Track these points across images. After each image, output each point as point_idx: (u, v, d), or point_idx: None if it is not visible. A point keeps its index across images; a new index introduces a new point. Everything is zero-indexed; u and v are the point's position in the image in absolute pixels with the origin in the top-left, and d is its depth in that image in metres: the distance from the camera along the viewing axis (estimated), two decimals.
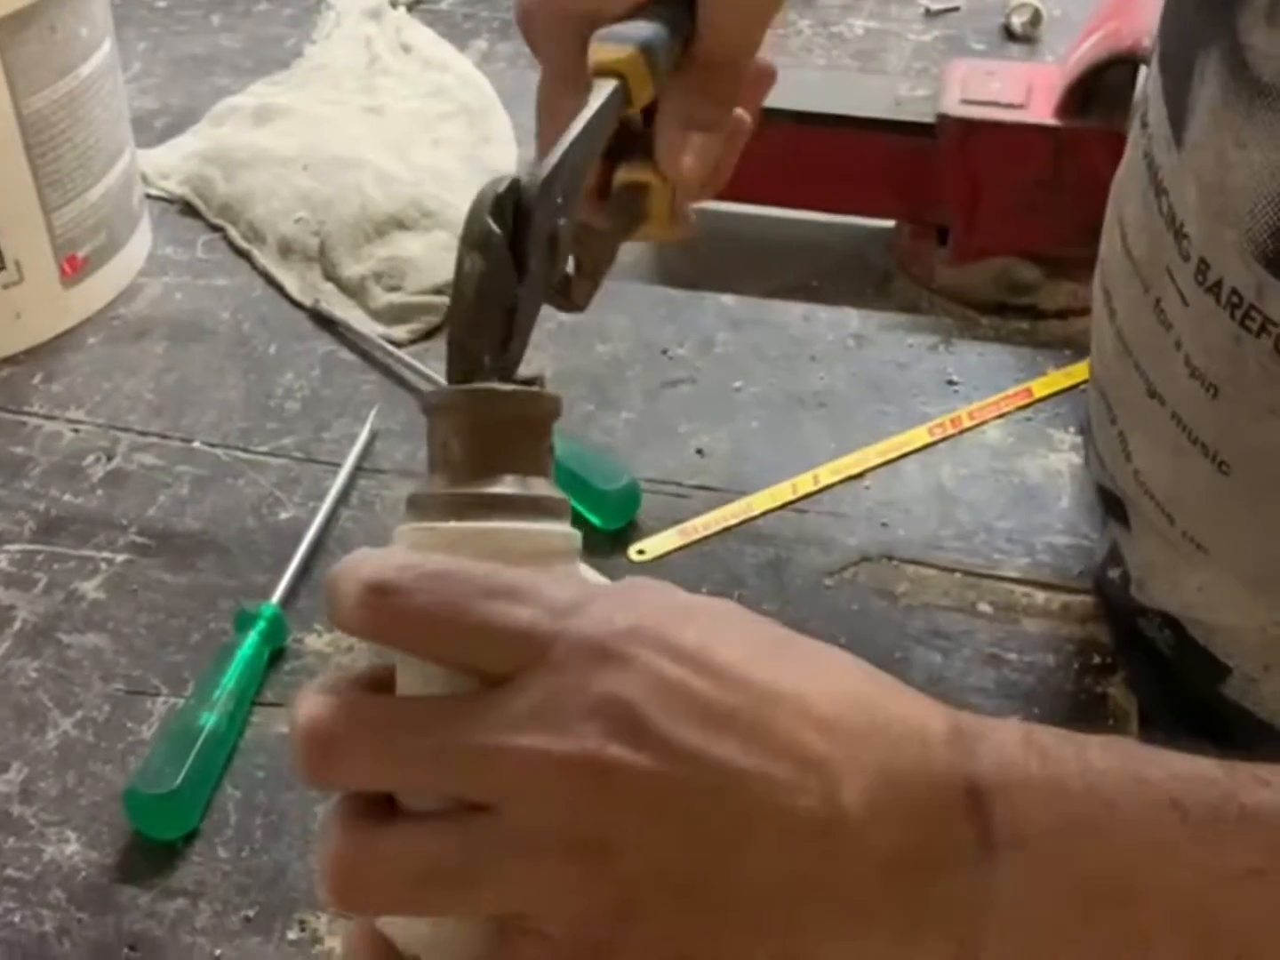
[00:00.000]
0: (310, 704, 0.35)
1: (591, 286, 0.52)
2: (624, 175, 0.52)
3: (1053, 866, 0.35)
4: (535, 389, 0.39)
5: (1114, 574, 0.62)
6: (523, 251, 0.40)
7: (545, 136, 0.52)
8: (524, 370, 0.40)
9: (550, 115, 0.52)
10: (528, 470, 0.38)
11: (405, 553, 0.37)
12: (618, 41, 0.49)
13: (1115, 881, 0.35)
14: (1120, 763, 0.36)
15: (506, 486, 0.37)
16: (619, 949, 0.34)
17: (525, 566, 0.36)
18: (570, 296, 0.51)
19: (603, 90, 0.48)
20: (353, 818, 0.35)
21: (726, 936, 0.35)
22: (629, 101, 0.49)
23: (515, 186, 0.40)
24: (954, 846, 0.35)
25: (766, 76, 0.56)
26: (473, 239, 0.39)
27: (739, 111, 0.54)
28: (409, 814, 0.35)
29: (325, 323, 0.83)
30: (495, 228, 0.39)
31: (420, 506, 0.38)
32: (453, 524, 0.37)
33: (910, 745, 0.36)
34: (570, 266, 0.49)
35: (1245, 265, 0.49)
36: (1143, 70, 0.77)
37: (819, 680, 0.36)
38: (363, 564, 0.35)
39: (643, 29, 0.50)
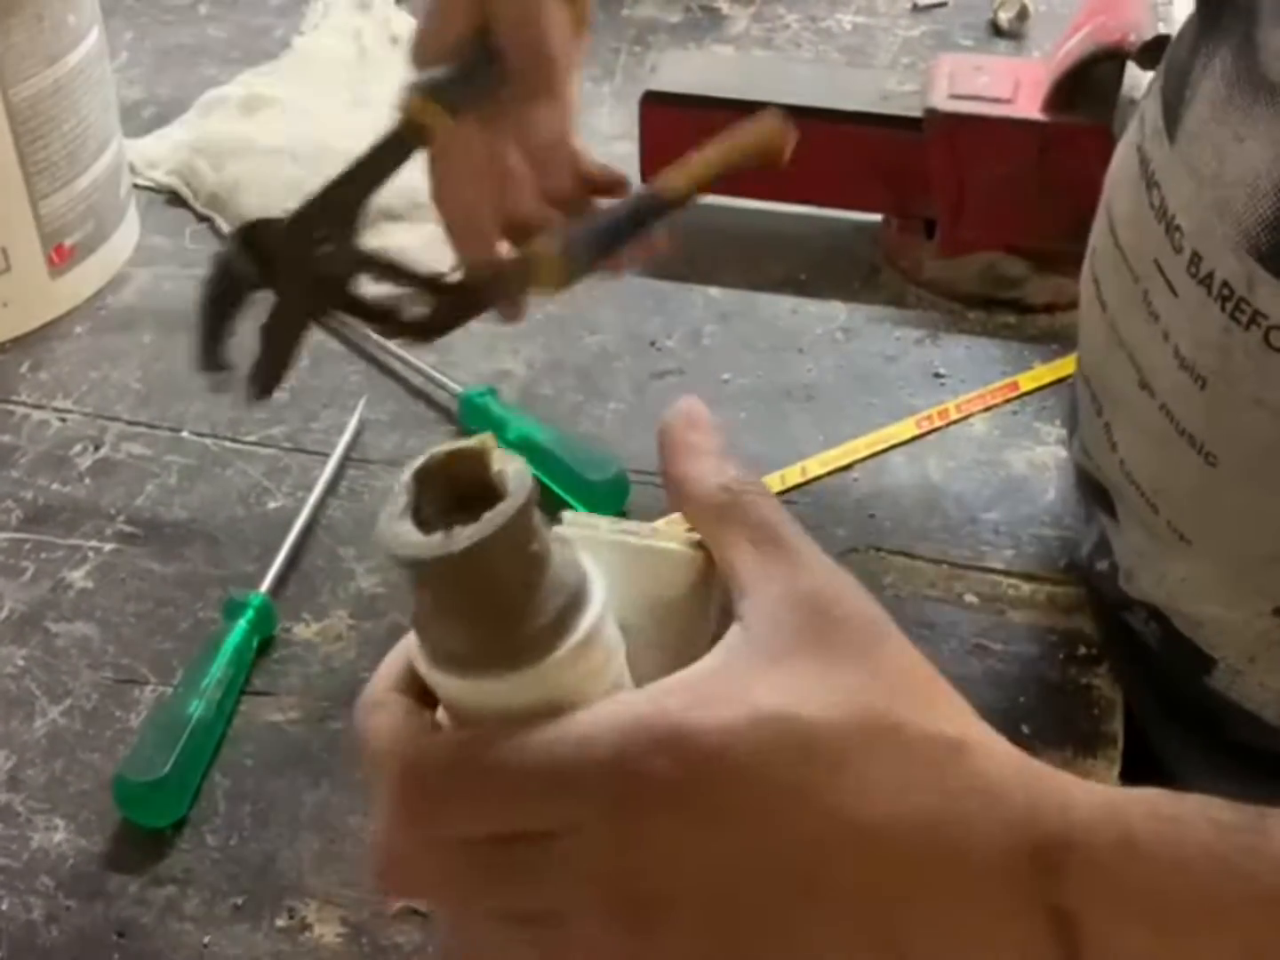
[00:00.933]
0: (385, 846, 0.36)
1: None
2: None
3: None
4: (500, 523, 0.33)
5: (1102, 566, 0.63)
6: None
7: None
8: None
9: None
10: (536, 579, 0.35)
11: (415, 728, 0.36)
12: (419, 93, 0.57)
13: None
14: (1220, 863, 0.35)
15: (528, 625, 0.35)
16: None
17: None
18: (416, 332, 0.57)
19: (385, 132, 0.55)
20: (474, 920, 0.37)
21: None
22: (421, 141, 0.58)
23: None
24: None
25: (615, 185, 0.62)
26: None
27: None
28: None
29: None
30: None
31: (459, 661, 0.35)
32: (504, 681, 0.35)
33: (979, 870, 0.34)
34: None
35: (1237, 258, 0.50)
36: (1129, 66, 0.78)
37: (880, 796, 0.34)
38: (381, 762, 0.36)
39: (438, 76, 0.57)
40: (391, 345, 0.79)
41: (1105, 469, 0.61)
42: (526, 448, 0.73)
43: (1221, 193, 0.50)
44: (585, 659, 0.36)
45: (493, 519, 0.33)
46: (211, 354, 0.56)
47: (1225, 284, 0.51)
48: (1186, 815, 0.36)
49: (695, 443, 0.40)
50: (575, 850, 0.34)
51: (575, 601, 0.35)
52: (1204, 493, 0.54)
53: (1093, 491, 0.63)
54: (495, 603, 0.34)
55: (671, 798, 0.34)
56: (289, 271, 0.54)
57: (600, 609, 0.36)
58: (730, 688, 0.35)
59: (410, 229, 0.86)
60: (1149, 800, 0.36)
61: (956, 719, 0.37)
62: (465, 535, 0.33)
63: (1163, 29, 0.73)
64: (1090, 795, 0.36)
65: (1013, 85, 0.81)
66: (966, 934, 0.35)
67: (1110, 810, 0.35)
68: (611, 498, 0.71)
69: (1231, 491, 0.54)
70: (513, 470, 0.34)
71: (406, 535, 0.33)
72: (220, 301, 0.56)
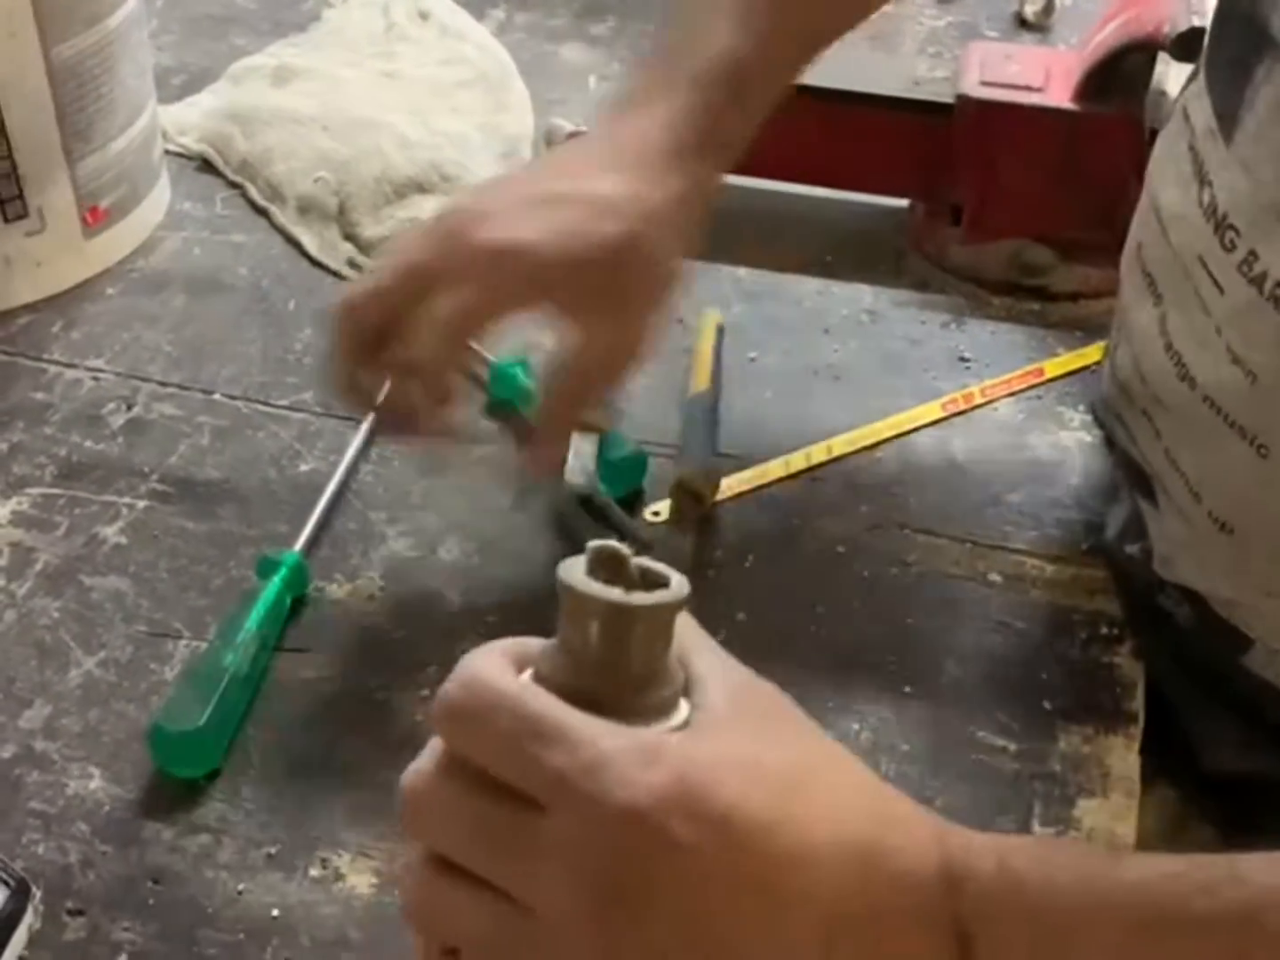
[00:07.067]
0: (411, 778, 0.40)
1: None
2: None
3: None
4: (667, 600, 0.39)
5: (1132, 549, 0.63)
6: None
7: None
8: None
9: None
10: (649, 673, 0.39)
11: (497, 671, 0.39)
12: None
13: None
14: (1083, 884, 0.40)
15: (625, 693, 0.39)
16: None
17: None
18: None
19: None
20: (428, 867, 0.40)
21: None
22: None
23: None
24: None
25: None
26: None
27: None
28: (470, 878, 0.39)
29: (344, 280, 0.83)
30: None
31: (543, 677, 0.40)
32: None
33: (905, 894, 0.39)
34: None
35: None
36: (1160, 57, 0.79)
37: (829, 827, 0.39)
38: (454, 676, 0.39)
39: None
40: None
41: (1150, 456, 0.61)
42: None
43: None
44: None
45: (666, 595, 0.38)
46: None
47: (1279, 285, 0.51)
48: (1047, 857, 0.41)
49: None
50: (561, 826, 0.37)
51: (676, 695, 0.40)
52: (1255, 483, 0.55)
53: (1134, 476, 0.64)
54: (638, 661, 0.39)
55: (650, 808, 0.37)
56: None
57: (687, 714, 0.40)
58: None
59: (437, 200, 0.86)
60: (1026, 840, 0.43)
61: (867, 770, 0.42)
62: (648, 597, 0.38)
63: (1196, 21, 0.74)
64: (974, 834, 0.41)
65: (1044, 74, 0.82)
66: (890, 943, 0.39)
67: (993, 842, 0.41)
68: (629, 474, 0.72)
69: None
70: (675, 577, 0.39)
71: (599, 587, 0.38)
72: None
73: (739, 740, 0.39)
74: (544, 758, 0.37)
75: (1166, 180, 0.59)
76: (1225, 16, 0.58)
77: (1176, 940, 0.38)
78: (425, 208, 0.86)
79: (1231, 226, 0.53)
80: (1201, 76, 0.58)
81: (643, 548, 0.59)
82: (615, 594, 0.38)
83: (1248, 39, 0.53)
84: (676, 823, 0.36)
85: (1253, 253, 0.52)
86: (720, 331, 0.78)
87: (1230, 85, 0.54)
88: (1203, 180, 0.55)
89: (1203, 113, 0.56)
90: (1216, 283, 0.54)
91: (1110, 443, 0.67)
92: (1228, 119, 0.54)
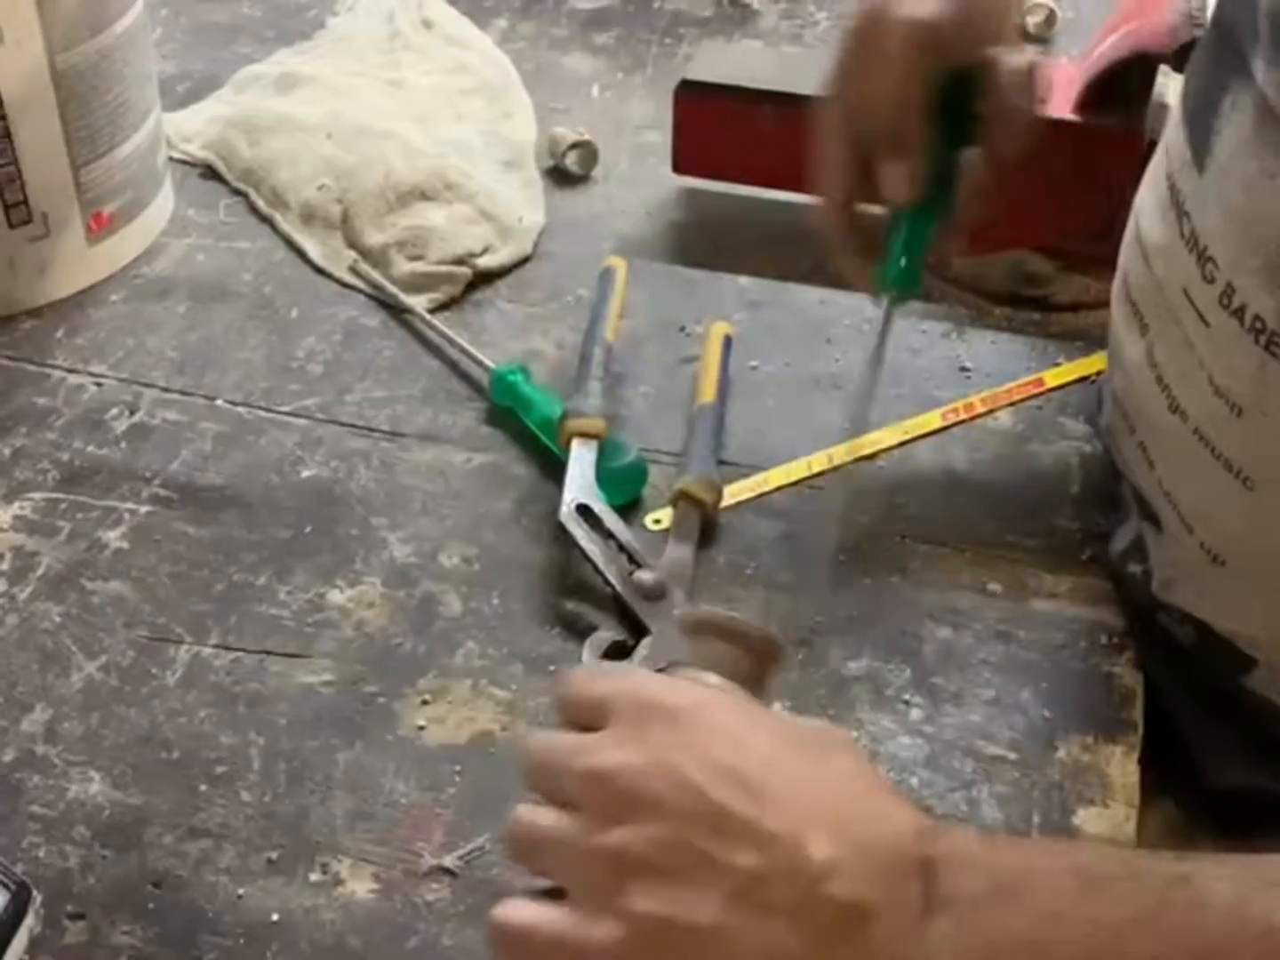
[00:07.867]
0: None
1: None
2: None
3: (977, 924, 0.42)
4: (767, 631, 0.51)
5: (1134, 569, 0.63)
6: None
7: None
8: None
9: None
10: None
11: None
12: None
13: (1025, 933, 0.42)
14: (1042, 844, 0.45)
15: None
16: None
17: None
18: None
19: None
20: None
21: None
22: None
23: None
24: (904, 902, 0.42)
25: None
26: None
27: None
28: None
29: (347, 288, 0.84)
30: None
31: None
32: None
33: (880, 830, 0.43)
34: None
35: (1269, 293, 0.50)
36: (1162, 69, 0.79)
37: (818, 782, 0.44)
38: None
39: None
40: (428, 317, 0.80)
41: (1144, 486, 0.61)
42: (549, 429, 0.74)
43: (1253, 228, 0.50)
44: None
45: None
46: None
47: (1258, 318, 0.51)
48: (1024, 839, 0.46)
49: None
50: (601, 740, 0.45)
51: None
52: (1242, 516, 0.55)
53: (1138, 499, 0.64)
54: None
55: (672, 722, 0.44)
56: None
57: None
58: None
59: (441, 208, 0.87)
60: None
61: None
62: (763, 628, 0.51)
63: (1198, 34, 0.74)
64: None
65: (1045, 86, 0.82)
66: (859, 861, 0.42)
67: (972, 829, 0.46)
68: (629, 482, 0.72)
69: (1269, 515, 0.54)
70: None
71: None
72: None
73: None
74: (566, 763, 0.45)
75: (1149, 211, 0.59)
76: (1196, 44, 0.58)
77: (1113, 881, 0.41)
78: (428, 215, 0.86)
79: (1211, 259, 0.53)
80: (1178, 105, 0.58)
81: (637, 557, 0.62)
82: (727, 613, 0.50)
83: (1216, 68, 0.53)
84: (685, 707, 0.44)
85: (1230, 285, 0.52)
86: (728, 342, 0.78)
87: (1201, 115, 0.54)
88: (1180, 211, 0.55)
89: (1178, 143, 0.56)
90: (1200, 315, 0.54)
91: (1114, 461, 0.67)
92: (1200, 149, 0.53)
